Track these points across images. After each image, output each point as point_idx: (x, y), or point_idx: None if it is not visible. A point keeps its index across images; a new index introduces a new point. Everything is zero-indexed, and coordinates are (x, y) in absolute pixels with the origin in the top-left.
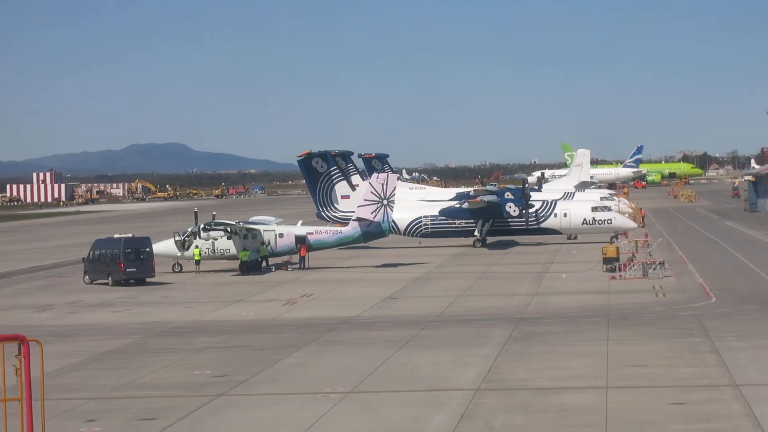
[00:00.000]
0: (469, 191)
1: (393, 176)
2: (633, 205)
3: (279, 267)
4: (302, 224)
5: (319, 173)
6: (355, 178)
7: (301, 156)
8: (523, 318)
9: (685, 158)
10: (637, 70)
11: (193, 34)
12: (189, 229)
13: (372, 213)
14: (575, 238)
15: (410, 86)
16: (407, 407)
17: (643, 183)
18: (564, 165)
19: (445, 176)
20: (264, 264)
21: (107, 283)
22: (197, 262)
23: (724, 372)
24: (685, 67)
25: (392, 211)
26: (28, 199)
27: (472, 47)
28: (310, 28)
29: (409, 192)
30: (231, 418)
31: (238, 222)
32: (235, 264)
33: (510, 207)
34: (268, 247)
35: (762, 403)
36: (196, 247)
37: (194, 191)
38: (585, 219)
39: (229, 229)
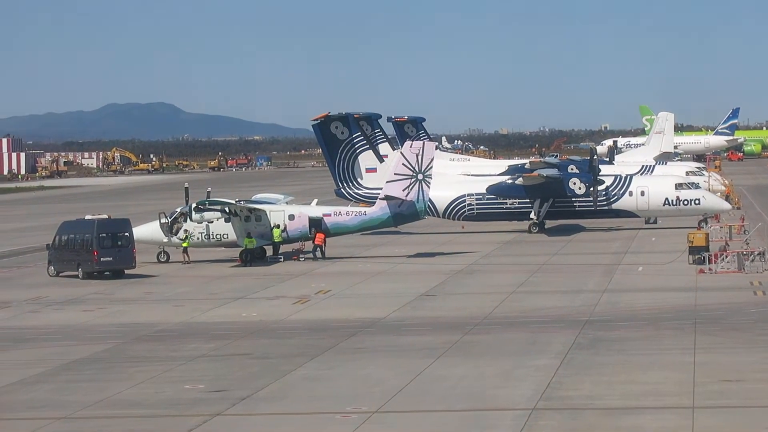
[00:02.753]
0: (524, 164)
1: (430, 145)
2: (727, 182)
3: (289, 257)
4: (318, 204)
5: (339, 141)
6: (384, 147)
7: (316, 119)
8: (590, 321)
9: None
10: (733, 15)
11: None
12: (178, 210)
13: (404, 190)
14: (655, 222)
15: (451, 34)
16: (446, 431)
17: (740, 154)
18: (642, 132)
19: (495, 145)
20: (272, 253)
21: (77, 276)
22: (185, 250)
23: None
24: None
25: (429, 188)
26: None
27: None
28: None
29: (449, 164)
30: None
31: (239, 201)
32: (235, 252)
33: (574, 183)
34: (284, 232)
35: None
36: (186, 231)
37: (185, 162)
38: (667, 199)
39: (227, 210)
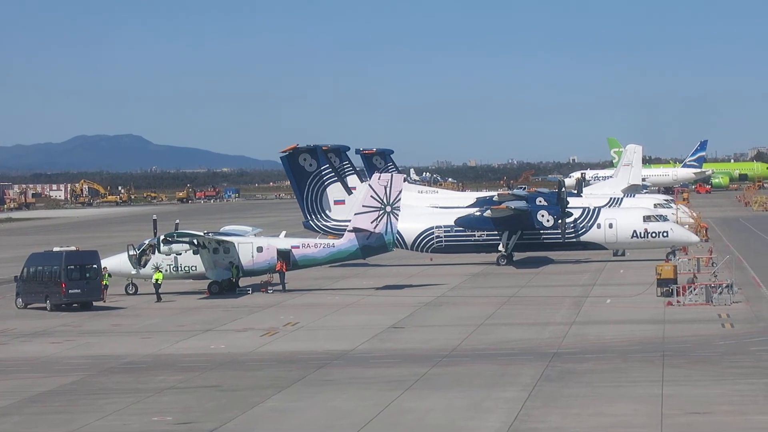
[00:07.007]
0: (493, 196)
1: (398, 177)
2: (695, 215)
3: (257, 289)
4: (286, 236)
5: (307, 173)
6: (352, 179)
7: (285, 151)
8: (558, 353)
9: (759, 156)
10: (699, 50)
11: (151, 1)
12: (146, 242)
13: (372, 222)
14: (623, 254)
15: (419, 67)
16: None
17: (708, 187)
18: (610, 164)
19: (463, 177)
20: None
21: (45, 308)
22: (105, 287)
23: None
24: (759, 45)
25: (397, 220)
26: None
27: (492, 21)
28: None
29: (418, 197)
30: None
31: (207, 233)
32: (203, 285)
33: (543, 216)
34: (249, 263)
35: None
36: (106, 267)
37: (153, 194)
38: (635, 231)
39: (195, 242)
